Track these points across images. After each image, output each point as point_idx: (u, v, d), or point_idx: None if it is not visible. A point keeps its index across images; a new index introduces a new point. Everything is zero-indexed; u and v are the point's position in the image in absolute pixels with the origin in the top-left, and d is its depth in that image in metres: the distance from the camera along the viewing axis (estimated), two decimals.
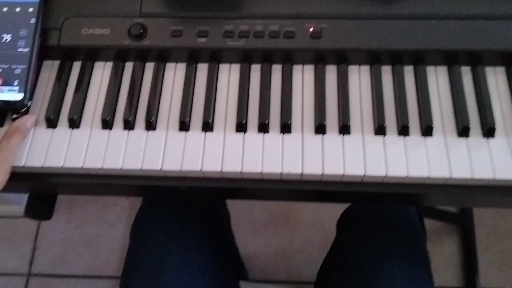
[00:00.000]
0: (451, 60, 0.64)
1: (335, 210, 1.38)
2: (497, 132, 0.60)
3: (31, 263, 1.39)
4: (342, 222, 0.84)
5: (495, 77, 0.64)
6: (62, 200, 1.45)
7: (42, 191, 0.70)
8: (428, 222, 0.82)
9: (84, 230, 1.42)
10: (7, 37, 0.63)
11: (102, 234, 1.40)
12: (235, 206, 0.93)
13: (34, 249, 1.41)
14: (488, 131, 0.59)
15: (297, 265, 1.34)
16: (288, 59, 0.65)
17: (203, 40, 0.64)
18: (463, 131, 0.60)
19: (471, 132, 0.60)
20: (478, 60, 0.64)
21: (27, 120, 0.61)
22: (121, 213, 1.43)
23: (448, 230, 1.36)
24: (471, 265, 1.30)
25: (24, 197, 1.35)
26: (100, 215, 1.43)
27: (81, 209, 1.44)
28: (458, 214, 1.39)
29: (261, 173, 0.59)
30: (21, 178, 0.61)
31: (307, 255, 1.35)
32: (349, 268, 0.72)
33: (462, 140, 0.60)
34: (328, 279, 0.77)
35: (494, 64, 0.64)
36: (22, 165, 0.60)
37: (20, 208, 1.36)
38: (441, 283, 1.30)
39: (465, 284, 1.30)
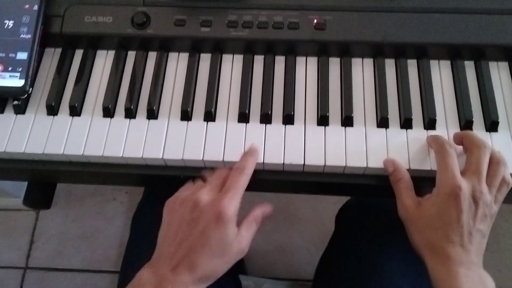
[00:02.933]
0: (454, 54, 0.64)
1: (335, 207, 1.38)
2: (500, 127, 0.60)
3: (28, 256, 1.38)
4: (341, 217, 0.83)
5: (498, 72, 0.64)
6: (60, 194, 1.45)
7: (42, 179, 0.70)
8: None
9: (82, 224, 1.42)
10: (10, 23, 0.63)
11: (100, 229, 1.40)
12: None
13: (31, 242, 1.40)
14: (491, 125, 0.59)
15: (295, 262, 1.33)
16: (292, 50, 0.64)
17: (207, 29, 0.63)
18: (466, 125, 0.59)
19: (474, 126, 0.60)
20: (481, 55, 0.64)
21: (264, 211, 0.58)
22: (119, 207, 1.42)
23: None
24: None
25: (22, 190, 1.35)
26: (98, 209, 1.42)
27: (79, 203, 1.43)
28: None
29: (263, 163, 0.58)
30: (21, 165, 0.61)
31: (305, 253, 1.34)
32: (348, 262, 0.72)
33: None
34: (327, 273, 0.77)
35: (497, 59, 0.64)
36: (22, 151, 0.59)
37: (18, 201, 1.36)
38: None
39: None
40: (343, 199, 1.38)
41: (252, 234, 0.54)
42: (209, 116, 0.61)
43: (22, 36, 0.63)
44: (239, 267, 1.09)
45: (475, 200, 0.50)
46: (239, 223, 0.53)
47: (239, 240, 0.52)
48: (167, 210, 0.54)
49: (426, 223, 0.52)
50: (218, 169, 0.56)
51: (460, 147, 0.56)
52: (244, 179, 0.53)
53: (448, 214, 0.50)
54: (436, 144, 0.55)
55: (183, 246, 0.50)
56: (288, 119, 0.60)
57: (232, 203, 0.50)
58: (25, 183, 1.36)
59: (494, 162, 0.52)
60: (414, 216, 0.53)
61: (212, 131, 0.60)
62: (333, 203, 1.39)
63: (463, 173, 0.52)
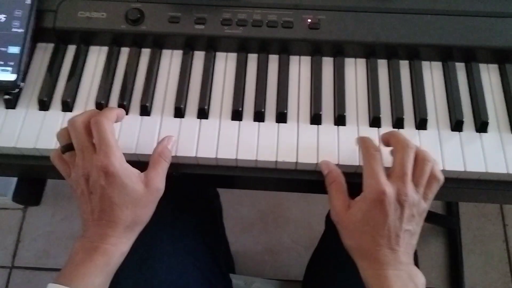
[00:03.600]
0: (446, 55, 0.65)
1: (323, 208, 1.39)
2: (489, 128, 0.60)
3: (14, 256, 1.36)
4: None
5: (488, 74, 0.65)
6: (48, 192, 1.43)
7: (32, 174, 0.69)
8: None
9: (70, 223, 1.40)
10: (2, 17, 0.62)
11: None
12: (223, 203, 0.92)
13: (17, 241, 1.38)
14: (481, 125, 0.60)
15: (284, 262, 1.34)
16: (285, 49, 0.65)
17: (201, 27, 0.63)
18: (456, 125, 0.60)
19: (465, 126, 0.60)
20: (472, 57, 0.65)
21: (167, 142, 0.57)
22: None
23: (435, 231, 1.37)
24: (456, 267, 1.31)
25: (8, 188, 1.34)
26: None
27: (67, 202, 1.42)
28: (445, 216, 1.40)
29: (256, 161, 0.59)
30: (11, 160, 0.60)
31: (294, 254, 1.35)
32: (338, 262, 0.72)
33: (456, 134, 0.60)
34: (317, 273, 0.77)
35: (487, 61, 0.65)
36: (13, 146, 0.59)
37: (4, 199, 1.34)
38: (426, 284, 1.31)
39: (450, 285, 1.31)
40: None
41: (163, 170, 0.55)
42: (203, 114, 0.61)
43: (14, 30, 0.62)
44: (229, 266, 1.09)
45: (400, 203, 0.51)
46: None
47: (147, 181, 0.53)
48: (74, 194, 0.54)
49: (354, 227, 0.52)
50: (71, 126, 0.53)
51: (389, 148, 0.56)
52: (104, 127, 0.52)
53: (374, 219, 0.51)
54: (362, 147, 0.55)
55: (95, 214, 0.52)
56: (281, 118, 0.61)
57: (109, 155, 0.51)
58: (11, 181, 1.35)
59: (419, 160, 0.53)
60: (344, 220, 0.53)
61: (205, 129, 0.60)
62: (322, 205, 1.40)
63: (388, 175, 0.52)
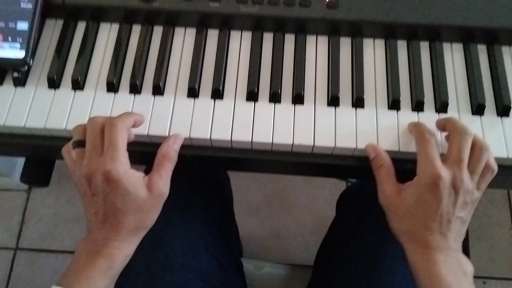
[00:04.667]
0: (467, 37, 0.63)
1: (330, 194, 1.38)
2: None
3: (18, 237, 1.36)
4: (343, 202, 0.83)
5: (510, 56, 0.63)
6: (53, 174, 1.42)
7: (41, 155, 0.68)
8: None
9: (74, 205, 1.40)
10: None
11: None
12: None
13: (22, 223, 1.38)
14: (504, 110, 0.59)
15: (290, 248, 1.33)
16: (302, 28, 0.63)
17: (216, 4, 0.61)
18: (478, 109, 0.59)
19: (486, 110, 0.59)
20: (494, 39, 0.63)
21: (173, 142, 0.55)
22: None
23: None
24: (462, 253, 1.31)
25: (13, 169, 1.32)
26: None
27: (72, 184, 1.41)
28: None
29: (271, 143, 0.57)
30: (19, 140, 0.59)
31: (300, 239, 1.34)
32: (351, 247, 0.71)
33: (477, 118, 0.59)
34: (329, 258, 0.76)
35: (510, 43, 0.63)
36: (22, 125, 0.57)
37: (9, 180, 1.33)
38: None
39: None
40: (339, 186, 1.38)
41: (166, 173, 0.53)
42: (217, 94, 0.59)
43: (22, 5, 0.60)
44: (239, 250, 1.09)
45: (455, 188, 0.50)
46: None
47: (150, 185, 0.52)
48: (78, 192, 0.54)
49: (405, 211, 0.52)
50: (89, 124, 0.52)
51: (445, 133, 0.56)
52: (117, 132, 0.50)
53: (427, 203, 0.50)
54: (416, 132, 0.54)
55: (99, 216, 0.51)
56: (298, 99, 0.59)
57: (114, 160, 0.49)
58: (15, 163, 1.34)
59: (477, 148, 0.52)
60: (394, 204, 0.53)
61: (219, 109, 0.59)
62: (329, 190, 1.39)
63: (444, 160, 0.51)
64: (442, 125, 0.56)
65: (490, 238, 1.35)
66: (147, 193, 0.51)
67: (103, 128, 0.51)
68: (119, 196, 0.50)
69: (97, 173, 0.49)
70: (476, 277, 1.28)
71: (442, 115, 0.59)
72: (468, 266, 0.51)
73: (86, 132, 0.52)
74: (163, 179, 0.53)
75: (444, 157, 0.52)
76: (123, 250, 0.51)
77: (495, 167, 0.53)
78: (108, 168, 0.49)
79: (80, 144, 0.52)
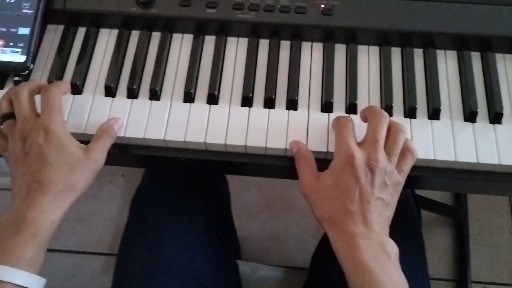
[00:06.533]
0: (461, 44, 0.63)
1: None
2: (504, 119, 0.59)
3: None
4: None
5: (504, 64, 0.63)
6: None
7: None
8: (422, 214, 0.82)
9: (77, 205, 1.39)
10: None
11: (95, 211, 1.39)
12: (230, 189, 0.92)
13: None
14: (496, 117, 0.59)
15: (290, 250, 1.34)
16: (298, 35, 0.64)
17: (212, 11, 0.63)
18: (470, 116, 0.59)
19: (478, 117, 0.59)
20: (488, 46, 0.63)
21: (113, 122, 0.57)
22: (115, 190, 1.42)
23: (442, 222, 1.36)
24: (463, 258, 1.30)
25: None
26: (94, 191, 1.42)
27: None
28: (453, 207, 1.39)
29: (265, 148, 0.58)
30: None
31: (300, 241, 1.35)
32: None
33: (469, 125, 0.59)
34: (324, 261, 0.77)
35: (503, 51, 0.64)
36: None
37: (10, 180, 1.34)
38: (433, 275, 1.30)
39: (456, 276, 1.31)
40: None
41: (104, 145, 0.55)
42: (212, 99, 0.60)
43: (24, 11, 0.62)
44: (236, 252, 1.09)
45: (370, 168, 0.50)
46: None
47: (86, 149, 0.53)
48: (9, 168, 0.54)
49: (324, 195, 0.52)
50: (15, 95, 0.54)
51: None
52: (53, 94, 0.53)
53: (344, 183, 0.50)
54: (334, 121, 0.55)
55: (26, 177, 0.50)
56: (292, 104, 0.60)
57: (52, 118, 0.51)
58: None
59: (393, 130, 0.53)
60: (314, 190, 0.53)
61: (214, 114, 0.60)
62: None
63: (360, 143, 0.52)
64: (363, 115, 0.56)
65: (491, 244, 1.34)
66: (82, 154, 0.53)
67: (31, 96, 0.54)
68: (53, 149, 0.51)
69: (34, 130, 0.51)
70: (476, 282, 1.28)
71: (435, 122, 0.59)
72: (392, 248, 0.50)
73: (14, 103, 0.54)
74: (99, 148, 0.54)
75: (360, 141, 0.53)
76: (48, 215, 0.49)
77: (414, 150, 0.53)
78: (47, 123, 0.51)
79: (8, 116, 0.54)
